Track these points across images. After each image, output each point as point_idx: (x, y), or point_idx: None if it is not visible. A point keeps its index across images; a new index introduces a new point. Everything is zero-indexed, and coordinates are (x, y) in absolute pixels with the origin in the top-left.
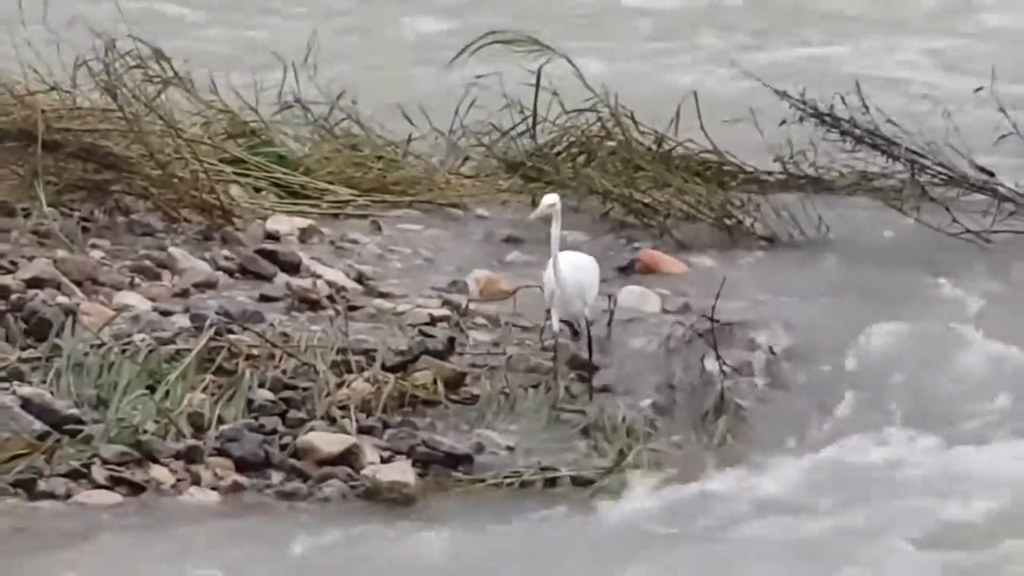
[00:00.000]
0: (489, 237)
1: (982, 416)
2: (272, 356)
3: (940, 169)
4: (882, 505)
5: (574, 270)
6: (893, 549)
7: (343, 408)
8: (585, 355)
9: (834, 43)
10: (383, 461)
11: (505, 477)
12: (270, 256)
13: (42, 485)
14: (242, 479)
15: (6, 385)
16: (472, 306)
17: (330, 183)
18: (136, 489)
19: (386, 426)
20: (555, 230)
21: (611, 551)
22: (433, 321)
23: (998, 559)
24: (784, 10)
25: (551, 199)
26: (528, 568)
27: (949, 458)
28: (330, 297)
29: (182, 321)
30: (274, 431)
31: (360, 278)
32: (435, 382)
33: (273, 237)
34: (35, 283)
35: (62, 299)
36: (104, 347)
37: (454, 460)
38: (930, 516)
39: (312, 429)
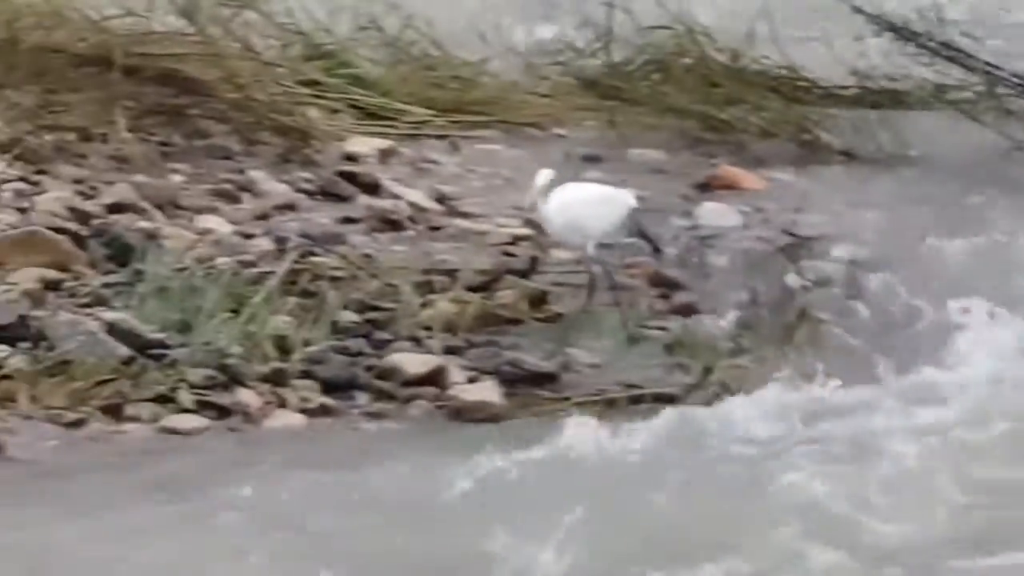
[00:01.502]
0: (568, 156)
1: None
2: (355, 278)
3: (1018, 81)
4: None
5: (565, 207)
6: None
7: (427, 329)
8: (667, 272)
9: None
10: (469, 381)
11: (590, 395)
12: (350, 178)
13: (128, 410)
14: (328, 401)
15: (90, 311)
16: None
17: (408, 104)
18: (222, 413)
19: (471, 346)
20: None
21: (697, 467)
22: (515, 240)
23: None
24: None
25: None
26: (615, 485)
27: None
28: (411, 218)
29: (264, 244)
30: (359, 353)
31: (441, 198)
32: (518, 301)
33: (352, 159)
34: (116, 208)
35: (143, 224)
36: (187, 271)
37: (539, 378)
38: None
39: (397, 350)
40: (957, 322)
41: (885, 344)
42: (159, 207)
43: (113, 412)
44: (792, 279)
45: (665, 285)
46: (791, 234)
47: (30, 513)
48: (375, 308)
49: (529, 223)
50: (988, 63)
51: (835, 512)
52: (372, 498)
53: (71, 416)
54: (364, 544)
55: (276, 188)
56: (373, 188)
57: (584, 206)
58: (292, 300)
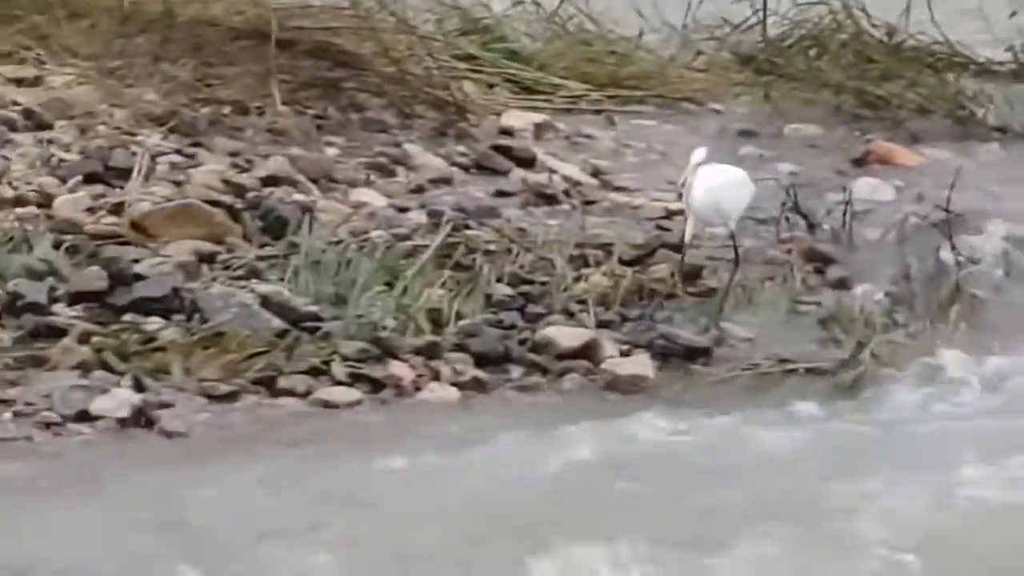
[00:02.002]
0: (723, 131)
1: None
2: (509, 251)
3: None
4: None
5: (709, 191)
6: None
7: (581, 302)
8: (821, 247)
9: None
10: (622, 354)
11: (744, 369)
12: (505, 151)
13: (282, 383)
14: (481, 374)
15: (244, 283)
16: None
17: (563, 78)
18: (376, 386)
19: (624, 320)
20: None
21: (853, 444)
22: (669, 214)
23: None
24: None
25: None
26: (771, 462)
27: None
28: (566, 192)
29: (418, 217)
30: (513, 326)
31: (596, 172)
32: (672, 275)
33: (507, 132)
34: (271, 181)
35: (298, 197)
36: (341, 244)
37: (693, 353)
38: None
39: (551, 323)
40: None
41: None
42: (314, 180)
43: (266, 385)
44: (946, 255)
45: (819, 260)
46: (945, 210)
47: (183, 488)
48: (529, 282)
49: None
50: None
51: None
52: (527, 468)
53: (224, 389)
54: (517, 515)
55: (431, 162)
56: (528, 162)
57: (728, 191)
58: (446, 273)
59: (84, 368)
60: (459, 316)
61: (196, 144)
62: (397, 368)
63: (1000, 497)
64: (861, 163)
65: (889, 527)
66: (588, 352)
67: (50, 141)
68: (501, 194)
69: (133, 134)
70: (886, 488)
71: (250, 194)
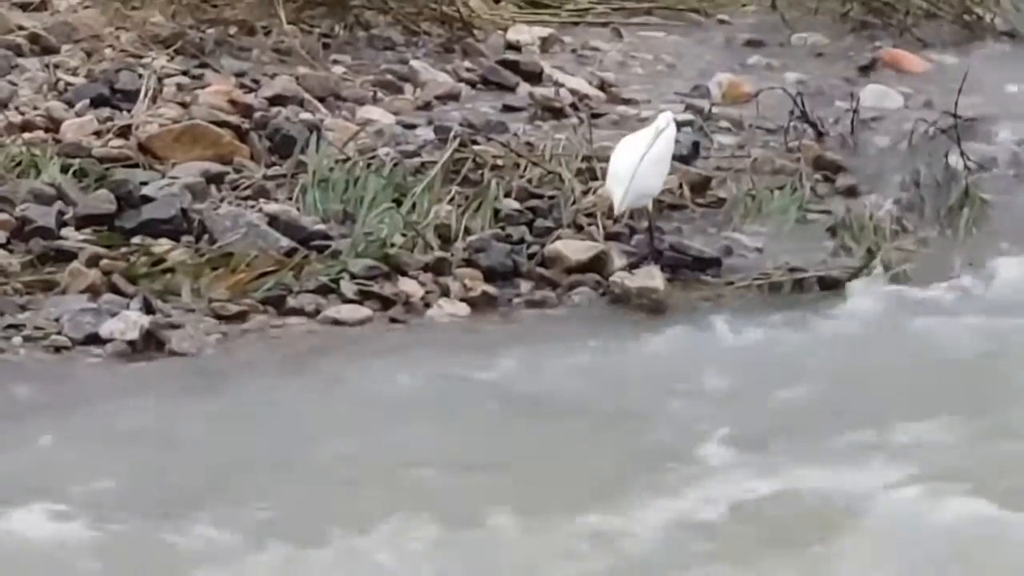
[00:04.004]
0: (730, 41)
1: None
2: (517, 166)
3: None
4: None
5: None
6: None
7: (590, 215)
8: (830, 155)
9: None
10: (631, 267)
11: (754, 279)
12: (512, 66)
13: (291, 302)
14: (491, 289)
15: (252, 203)
16: (715, 110)
17: None
18: (385, 303)
19: (633, 232)
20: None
21: (861, 348)
22: (678, 126)
23: None
24: None
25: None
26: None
27: None
28: (573, 105)
29: (426, 134)
30: (521, 240)
31: (602, 85)
32: (681, 186)
33: (514, 47)
34: (278, 100)
35: (305, 116)
36: (349, 162)
37: (702, 263)
38: None
39: (559, 237)
40: None
41: None
42: (321, 99)
43: (275, 304)
44: (955, 160)
45: (828, 168)
46: (954, 115)
47: (194, 407)
48: (537, 196)
49: (691, 108)
50: None
51: None
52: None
53: (233, 308)
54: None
55: (438, 78)
56: (535, 76)
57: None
58: (454, 189)
59: (93, 291)
60: (467, 232)
61: (203, 65)
62: (406, 284)
63: None
64: (869, 70)
65: None
66: (597, 265)
67: (56, 65)
68: (508, 109)
69: (139, 56)
70: None
71: (257, 114)
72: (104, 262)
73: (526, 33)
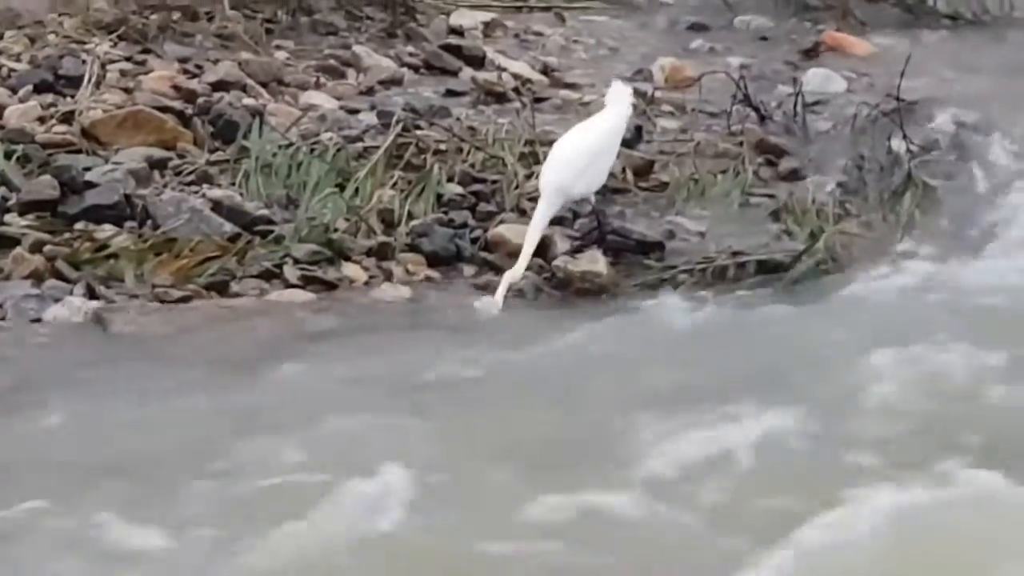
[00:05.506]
0: (673, 25)
1: None
2: (460, 150)
3: None
4: None
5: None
6: None
7: (533, 200)
8: (773, 139)
9: None
10: (574, 251)
11: (697, 263)
12: (454, 51)
13: (234, 287)
14: (434, 274)
15: (196, 188)
16: (658, 94)
17: None
18: (328, 287)
19: (576, 216)
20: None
21: (812, 328)
22: None
23: None
24: None
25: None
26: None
27: None
28: (516, 89)
29: (369, 119)
30: (464, 225)
31: (545, 70)
32: (624, 170)
33: (457, 32)
34: (221, 86)
35: (248, 101)
36: (292, 147)
37: (645, 247)
38: None
39: (502, 222)
40: None
41: (992, 206)
42: (264, 84)
43: (219, 289)
44: (898, 144)
45: (771, 152)
46: (897, 98)
47: (135, 386)
48: (480, 180)
49: (637, 93)
50: None
51: None
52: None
53: (177, 294)
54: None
55: (381, 63)
56: (478, 61)
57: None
58: (397, 174)
59: (36, 277)
60: (410, 216)
61: (146, 51)
62: (349, 269)
63: None
64: (812, 54)
65: None
66: (540, 249)
67: None
68: (451, 93)
69: (83, 42)
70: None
71: (200, 99)
72: (47, 248)
73: (469, 18)
